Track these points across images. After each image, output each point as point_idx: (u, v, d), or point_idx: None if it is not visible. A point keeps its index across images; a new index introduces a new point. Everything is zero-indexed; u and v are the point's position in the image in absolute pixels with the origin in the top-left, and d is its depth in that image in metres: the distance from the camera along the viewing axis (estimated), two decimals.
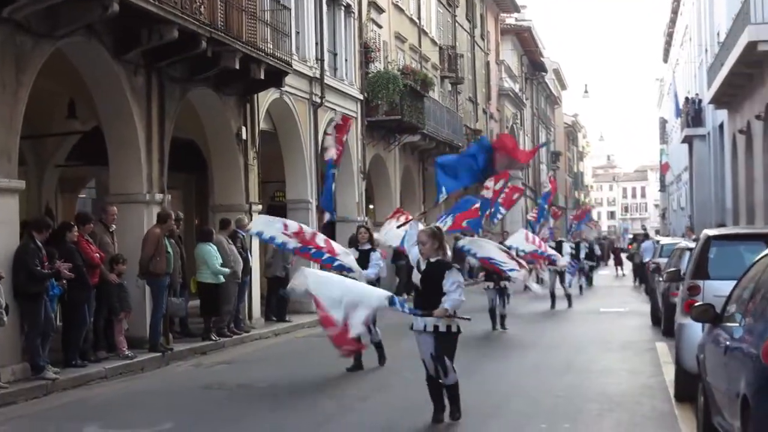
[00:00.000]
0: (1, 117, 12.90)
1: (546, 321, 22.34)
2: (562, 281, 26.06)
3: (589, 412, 10.69)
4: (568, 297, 26.25)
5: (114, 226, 15.57)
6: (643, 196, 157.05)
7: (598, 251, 41.03)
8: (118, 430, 10.19)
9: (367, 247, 14.54)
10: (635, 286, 35.02)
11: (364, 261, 14.15)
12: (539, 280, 21.97)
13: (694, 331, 10.54)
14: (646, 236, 41.66)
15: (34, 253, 12.83)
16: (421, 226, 10.48)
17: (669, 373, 12.99)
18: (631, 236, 46.66)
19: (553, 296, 25.59)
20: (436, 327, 9.67)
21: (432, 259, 9.83)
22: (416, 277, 9.98)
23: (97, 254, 14.51)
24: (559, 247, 26.59)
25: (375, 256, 14.43)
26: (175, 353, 15.95)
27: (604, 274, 47.61)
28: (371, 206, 32.54)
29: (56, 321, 14.07)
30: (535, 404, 11.26)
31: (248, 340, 18.55)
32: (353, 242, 15.01)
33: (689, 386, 10.47)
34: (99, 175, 21.48)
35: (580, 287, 31.48)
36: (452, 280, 9.69)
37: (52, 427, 10.59)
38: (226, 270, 17.47)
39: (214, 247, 17.60)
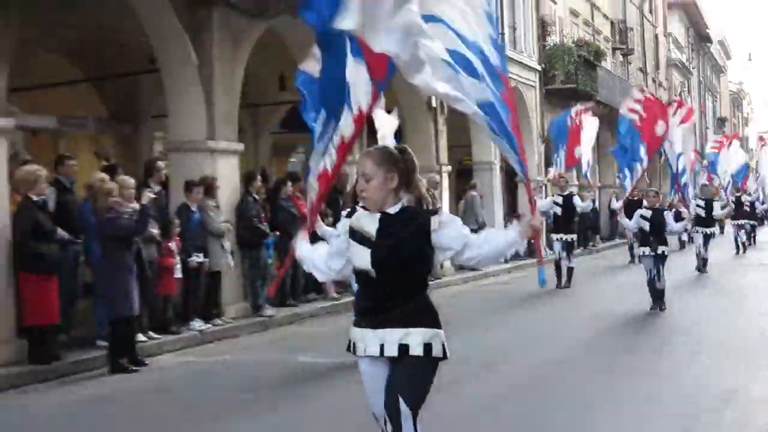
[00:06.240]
0: (223, 87, 13.33)
1: (706, 272, 20.78)
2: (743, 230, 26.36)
3: (754, 350, 10.12)
4: (704, 260, 20.34)
5: None
6: None
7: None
8: (328, 359, 10.30)
9: None
10: None
11: None
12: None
13: None
14: None
15: (252, 206, 13.25)
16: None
17: None
18: None
19: (736, 242, 26.43)
20: (404, 348, 4.47)
21: (391, 210, 4.49)
22: (363, 257, 4.48)
23: None
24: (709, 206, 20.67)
25: None
26: None
27: None
28: (550, 168, 32.05)
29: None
30: (698, 343, 10.74)
31: (436, 287, 18.49)
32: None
33: None
34: (307, 141, 21.83)
35: (743, 245, 27.12)
36: (461, 233, 4.49)
37: (272, 356, 10.87)
38: None
39: None
